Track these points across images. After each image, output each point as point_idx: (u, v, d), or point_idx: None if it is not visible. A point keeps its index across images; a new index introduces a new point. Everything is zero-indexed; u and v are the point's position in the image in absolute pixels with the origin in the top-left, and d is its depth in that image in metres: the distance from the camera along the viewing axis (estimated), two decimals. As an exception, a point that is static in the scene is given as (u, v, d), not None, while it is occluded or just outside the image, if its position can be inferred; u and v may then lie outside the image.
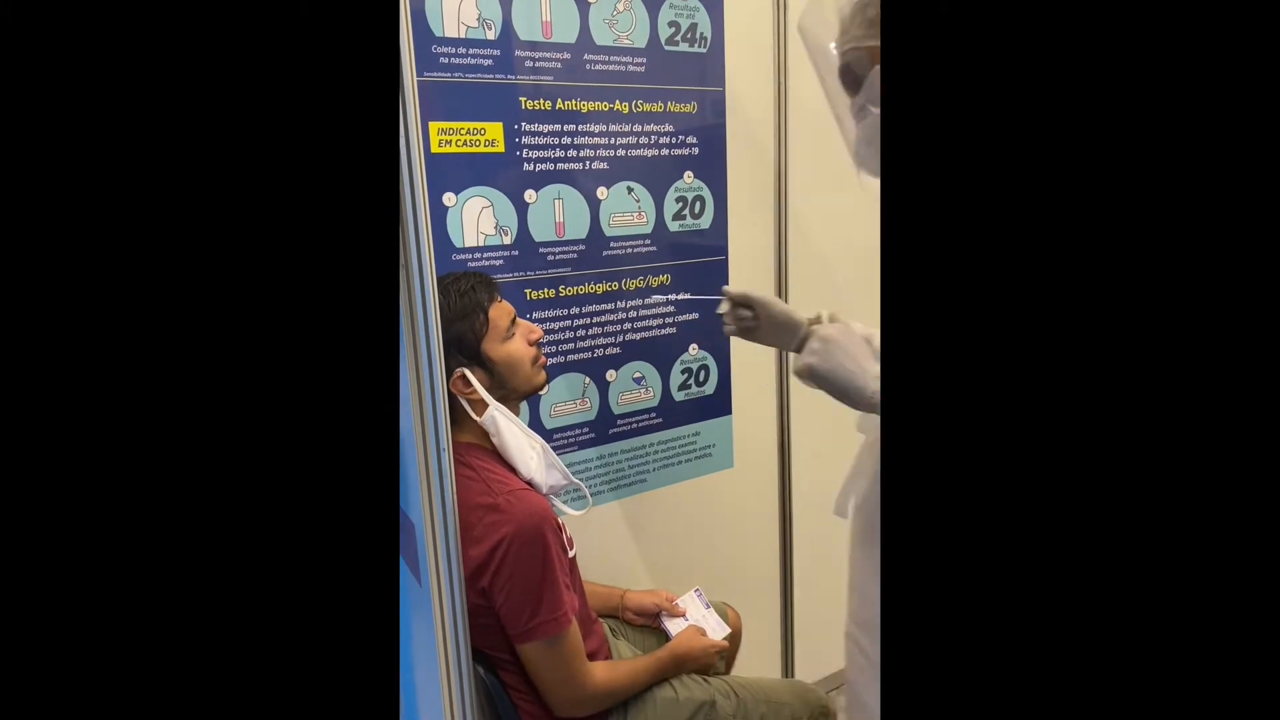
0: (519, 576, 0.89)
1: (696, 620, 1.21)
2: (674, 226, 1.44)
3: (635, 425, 1.46)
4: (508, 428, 0.97)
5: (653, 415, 1.49)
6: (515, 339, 1.00)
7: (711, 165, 1.47)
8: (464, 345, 0.97)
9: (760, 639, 1.73)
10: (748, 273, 1.55)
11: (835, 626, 1.85)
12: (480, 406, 0.97)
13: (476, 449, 0.97)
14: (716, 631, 1.20)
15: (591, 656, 1.02)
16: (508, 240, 1.26)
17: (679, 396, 1.51)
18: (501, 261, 1.26)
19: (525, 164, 1.25)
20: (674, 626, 1.21)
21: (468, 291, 0.98)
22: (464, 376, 0.96)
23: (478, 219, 1.22)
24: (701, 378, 1.54)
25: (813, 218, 1.62)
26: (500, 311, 1.00)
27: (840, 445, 1.77)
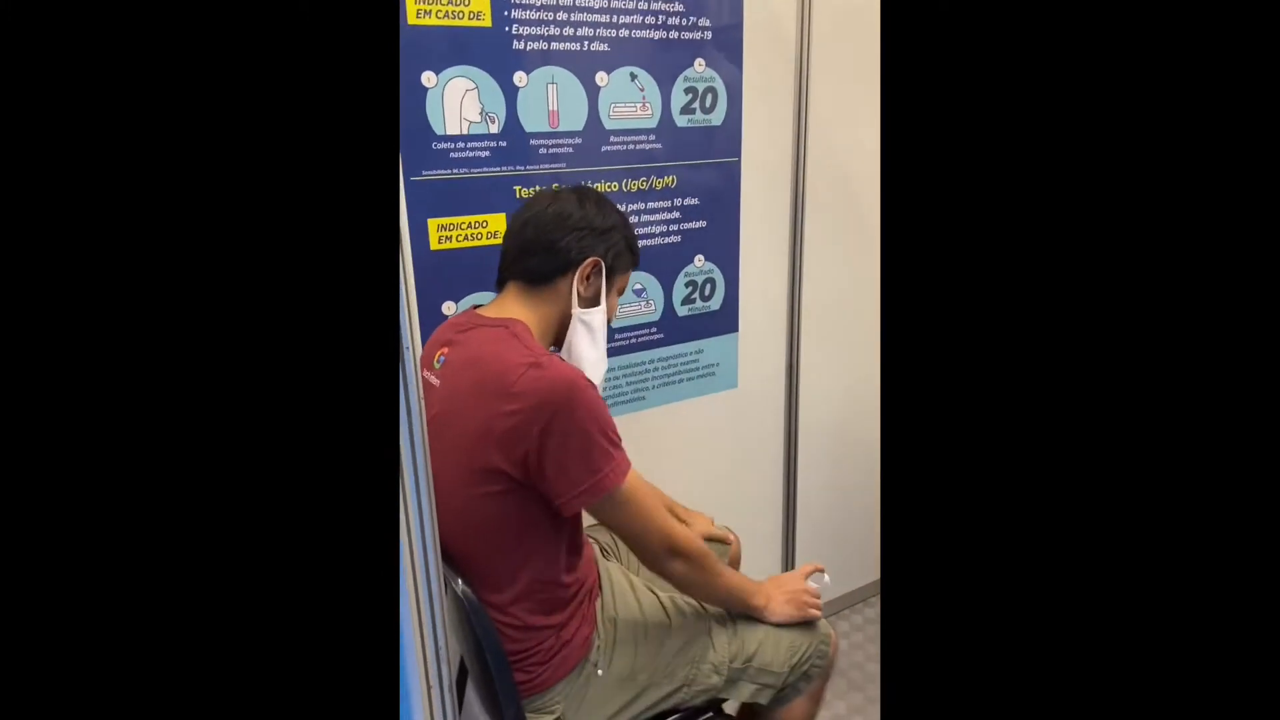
0: (574, 432, 0.81)
1: None
2: (681, 121, 1.31)
3: (634, 340, 1.37)
4: (602, 334, 0.96)
5: (653, 330, 1.39)
6: (615, 300, 0.98)
7: (726, 52, 1.32)
8: (609, 255, 0.94)
9: (761, 565, 1.68)
10: (762, 177, 1.42)
11: (838, 553, 1.81)
12: (588, 303, 0.94)
13: (524, 327, 0.90)
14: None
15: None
16: (494, 129, 1.13)
17: (682, 311, 1.41)
18: (488, 153, 1.14)
19: (515, 41, 1.12)
20: None
21: (632, 238, 0.98)
22: (599, 265, 0.93)
23: (461, 103, 1.10)
24: (707, 292, 1.43)
25: (836, 119, 1.48)
26: (627, 279, 1.01)
27: (852, 368, 1.69)
